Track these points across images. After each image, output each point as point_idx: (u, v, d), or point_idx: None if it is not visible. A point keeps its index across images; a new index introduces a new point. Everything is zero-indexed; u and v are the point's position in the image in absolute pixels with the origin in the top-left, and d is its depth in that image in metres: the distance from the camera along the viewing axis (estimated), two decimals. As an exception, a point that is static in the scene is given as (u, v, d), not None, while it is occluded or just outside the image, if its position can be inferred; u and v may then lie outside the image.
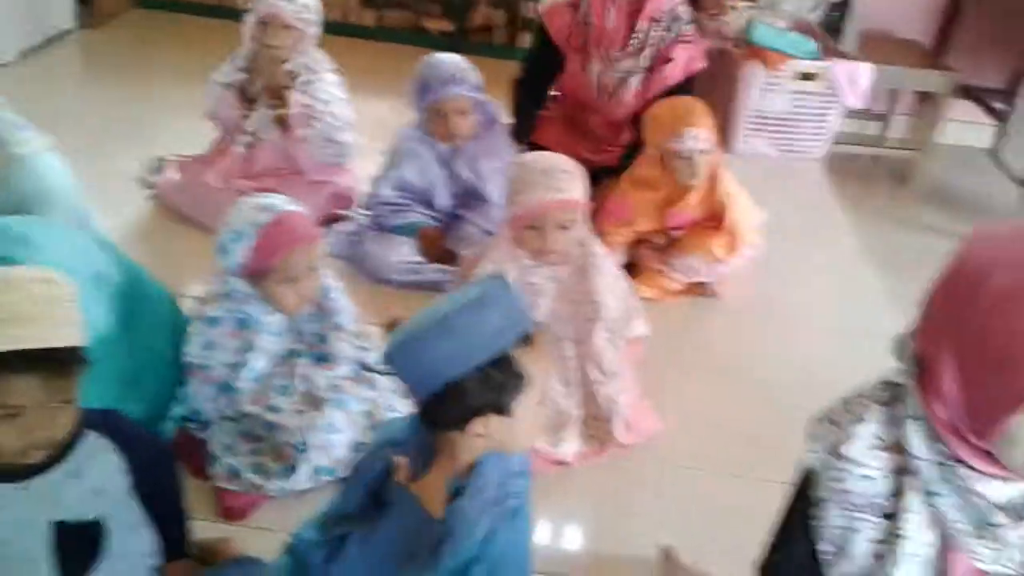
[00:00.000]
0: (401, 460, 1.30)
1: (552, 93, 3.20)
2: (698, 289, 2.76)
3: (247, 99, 2.87)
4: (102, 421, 1.37)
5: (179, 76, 3.77)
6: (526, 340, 1.22)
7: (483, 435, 1.23)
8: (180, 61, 3.97)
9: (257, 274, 1.83)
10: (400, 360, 1.21)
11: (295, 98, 2.79)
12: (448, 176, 2.73)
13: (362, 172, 2.93)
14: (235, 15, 4.32)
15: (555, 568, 1.79)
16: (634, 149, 2.84)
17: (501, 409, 1.22)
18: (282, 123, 2.83)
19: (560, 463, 2.02)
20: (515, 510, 1.28)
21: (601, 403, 2.10)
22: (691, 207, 2.68)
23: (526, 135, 3.11)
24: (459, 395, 1.19)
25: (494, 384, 1.19)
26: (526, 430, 1.27)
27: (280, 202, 1.85)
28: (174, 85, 3.68)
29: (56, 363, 1.22)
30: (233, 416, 1.90)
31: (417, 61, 2.66)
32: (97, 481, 1.33)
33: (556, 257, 2.09)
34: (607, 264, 2.19)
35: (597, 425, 2.10)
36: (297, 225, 1.83)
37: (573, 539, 1.90)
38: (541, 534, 1.87)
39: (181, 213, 2.82)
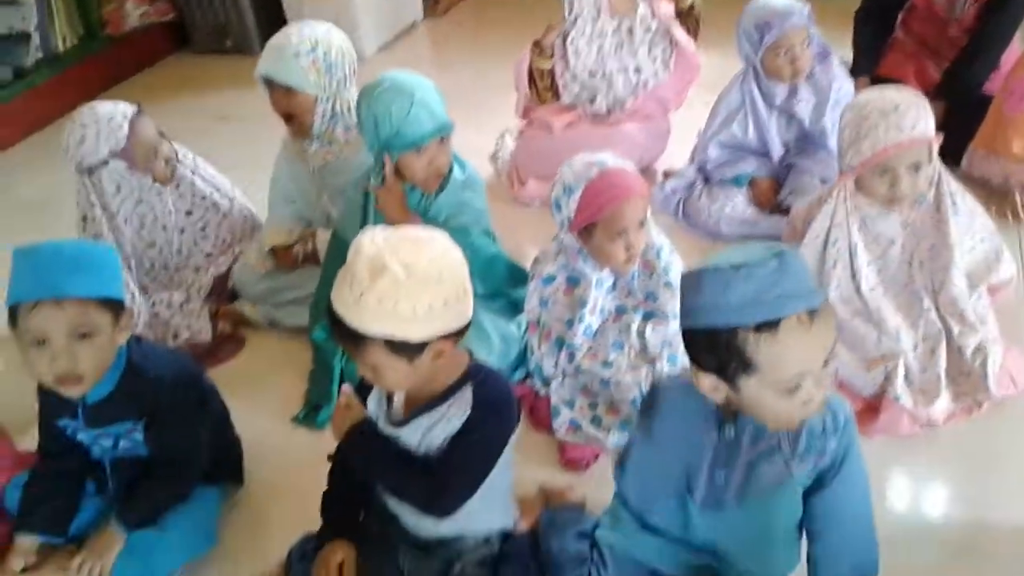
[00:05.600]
0: None
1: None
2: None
3: None
4: (482, 377, 1.41)
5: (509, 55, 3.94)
6: (811, 315, 1.13)
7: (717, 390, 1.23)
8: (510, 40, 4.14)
9: (586, 229, 1.85)
10: (684, 285, 1.22)
11: None
12: (786, 122, 2.60)
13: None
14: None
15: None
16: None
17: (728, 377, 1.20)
18: None
19: (929, 423, 1.86)
20: None
21: (968, 357, 1.91)
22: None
23: (870, 69, 2.90)
24: (704, 342, 1.19)
25: (718, 351, 1.17)
26: (769, 408, 1.21)
27: (608, 158, 1.86)
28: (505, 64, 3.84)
29: None
30: (571, 372, 1.97)
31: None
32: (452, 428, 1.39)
33: (908, 201, 1.92)
34: (964, 201, 1.98)
35: (967, 381, 1.91)
36: (624, 179, 1.83)
37: (936, 501, 1.77)
38: (906, 495, 1.78)
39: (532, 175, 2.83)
